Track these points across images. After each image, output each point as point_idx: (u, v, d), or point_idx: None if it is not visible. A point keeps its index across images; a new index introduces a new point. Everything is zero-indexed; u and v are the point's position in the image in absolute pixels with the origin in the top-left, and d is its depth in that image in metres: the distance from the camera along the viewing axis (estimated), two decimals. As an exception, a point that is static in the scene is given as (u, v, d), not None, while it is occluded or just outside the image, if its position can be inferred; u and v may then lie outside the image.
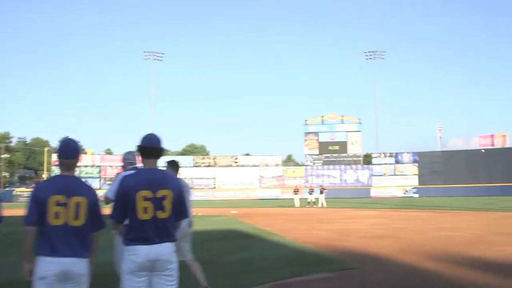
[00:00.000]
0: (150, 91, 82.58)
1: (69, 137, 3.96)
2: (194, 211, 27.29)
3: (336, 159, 72.91)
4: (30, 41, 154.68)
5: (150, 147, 4.02)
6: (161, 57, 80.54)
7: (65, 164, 3.82)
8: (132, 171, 5.03)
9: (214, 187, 71.39)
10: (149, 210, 3.81)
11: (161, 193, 3.85)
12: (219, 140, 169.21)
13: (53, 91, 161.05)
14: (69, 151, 3.85)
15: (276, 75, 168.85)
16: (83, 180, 3.96)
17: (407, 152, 71.48)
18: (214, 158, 75.60)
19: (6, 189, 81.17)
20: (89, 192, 3.81)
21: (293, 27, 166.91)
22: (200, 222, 21.77)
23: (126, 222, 3.89)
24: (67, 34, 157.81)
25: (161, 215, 3.86)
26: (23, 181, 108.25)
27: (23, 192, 69.28)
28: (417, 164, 69.74)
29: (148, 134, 4.13)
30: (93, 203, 3.78)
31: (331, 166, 72.34)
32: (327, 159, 73.21)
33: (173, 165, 7.11)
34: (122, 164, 7.08)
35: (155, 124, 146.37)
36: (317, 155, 73.66)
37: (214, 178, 72.05)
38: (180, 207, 4.03)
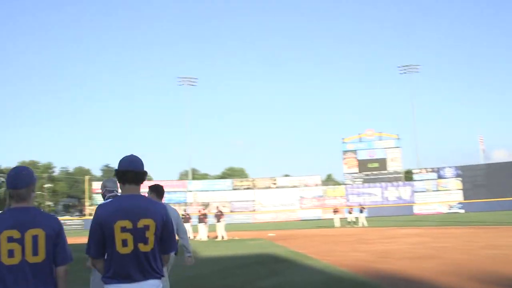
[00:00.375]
0: (185, 117, 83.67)
1: (21, 165, 3.43)
2: (229, 234, 26.81)
3: (377, 177, 71.67)
4: (69, 71, 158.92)
5: (130, 171, 3.52)
6: (195, 82, 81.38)
7: (16, 195, 3.28)
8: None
9: (254, 210, 71.00)
10: (129, 243, 3.34)
11: (142, 222, 3.38)
12: (258, 163, 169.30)
13: (93, 121, 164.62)
14: (18, 180, 3.30)
15: (312, 94, 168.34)
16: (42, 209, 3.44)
17: (449, 167, 69.69)
18: (253, 181, 75.41)
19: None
20: (48, 222, 3.28)
21: (327, 45, 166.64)
22: (234, 247, 21.54)
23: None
24: (105, 64, 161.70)
25: (144, 248, 3.37)
26: (66, 209, 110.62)
27: (67, 220, 71.03)
28: (460, 179, 67.86)
29: (127, 156, 3.61)
30: (54, 234, 3.25)
31: (371, 184, 71.11)
32: (367, 177, 72.05)
33: (156, 190, 6.57)
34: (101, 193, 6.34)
35: (193, 149, 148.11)
36: (357, 173, 72.58)
37: (253, 201, 71.71)
38: (167, 238, 3.54)
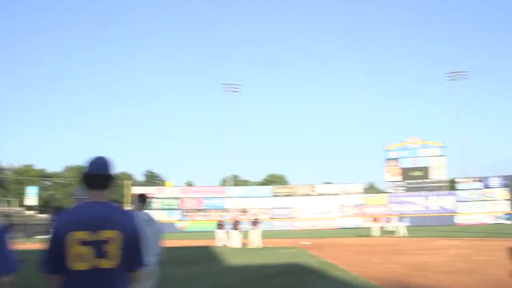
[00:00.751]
0: (227, 122, 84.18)
1: None
2: (263, 242, 26.21)
3: (419, 185, 69.97)
4: (112, 77, 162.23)
5: (95, 175, 3.09)
6: (238, 88, 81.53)
7: None
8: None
9: (294, 217, 70.31)
10: (87, 258, 2.88)
11: (104, 234, 2.91)
12: (299, 170, 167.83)
13: (137, 128, 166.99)
14: None
15: (355, 100, 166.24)
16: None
17: (496, 176, 67.44)
18: (293, 188, 74.84)
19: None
20: None
21: (370, 51, 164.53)
22: (266, 255, 21.12)
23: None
24: (148, 71, 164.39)
25: (105, 264, 2.90)
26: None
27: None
28: (508, 189, 65.49)
29: (94, 158, 3.18)
30: None
31: (414, 193, 69.42)
32: (409, 186, 70.41)
33: (140, 199, 6.34)
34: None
35: (234, 155, 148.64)
36: (399, 181, 71.03)
37: (293, 208, 71.01)
38: (135, 253, 3.04)
